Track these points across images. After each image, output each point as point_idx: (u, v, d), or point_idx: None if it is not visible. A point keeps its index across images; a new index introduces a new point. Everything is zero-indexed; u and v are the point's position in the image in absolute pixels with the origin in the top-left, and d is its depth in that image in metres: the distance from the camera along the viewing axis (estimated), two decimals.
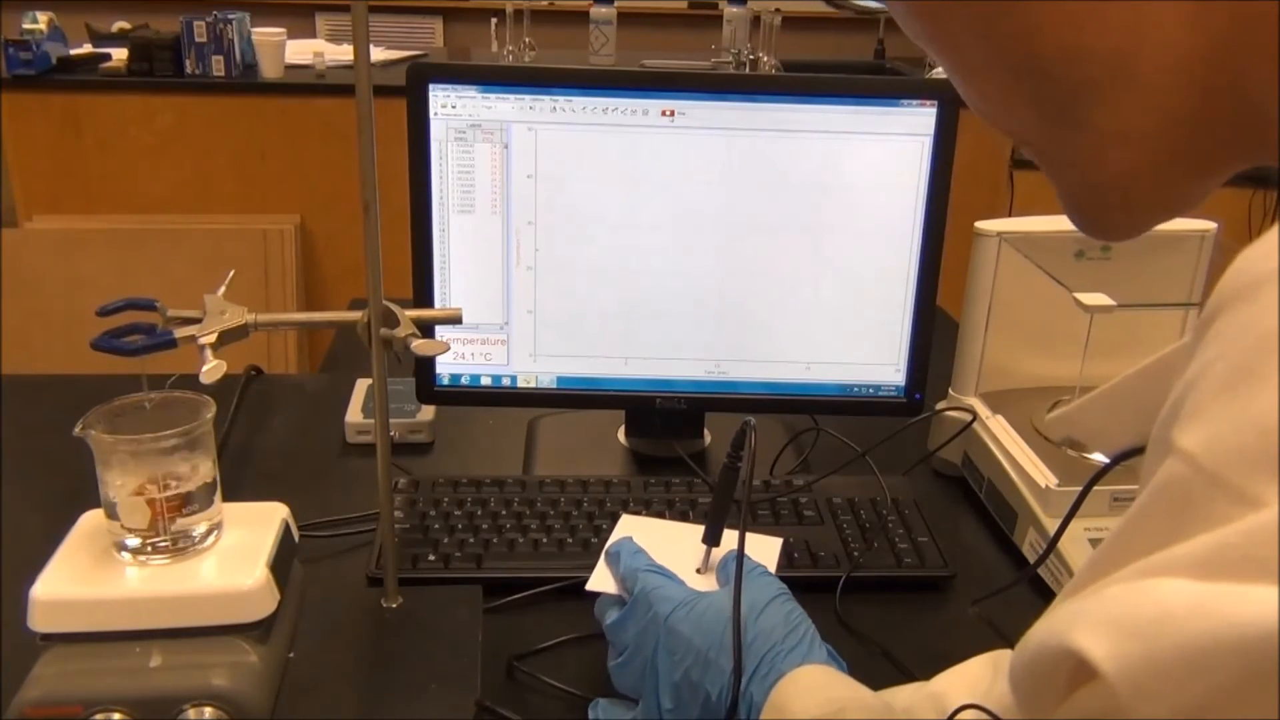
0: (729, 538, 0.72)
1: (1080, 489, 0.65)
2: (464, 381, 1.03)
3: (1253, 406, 0.28)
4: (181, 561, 0.69)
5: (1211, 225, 1.07)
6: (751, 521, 0.94)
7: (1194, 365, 0.31)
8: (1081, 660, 0.29)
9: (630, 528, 0.76)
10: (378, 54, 2.87)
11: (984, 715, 0.51)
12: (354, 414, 1.12)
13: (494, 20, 2.83)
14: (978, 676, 0.65)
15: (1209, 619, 0.27)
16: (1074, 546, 0.86)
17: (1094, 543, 0.85)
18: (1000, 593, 0.77)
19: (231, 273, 0.80)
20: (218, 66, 2.50)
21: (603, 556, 0.74)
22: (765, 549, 0.75)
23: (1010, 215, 1.10)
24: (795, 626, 0.63)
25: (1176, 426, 0.31)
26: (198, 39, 2.48)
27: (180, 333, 0.72)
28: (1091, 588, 0.32)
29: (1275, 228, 0.30)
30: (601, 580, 0.72)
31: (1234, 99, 0.37)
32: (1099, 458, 0.94)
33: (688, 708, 0.63)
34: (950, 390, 1.10)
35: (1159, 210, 0.43)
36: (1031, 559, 0.91)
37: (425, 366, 1.03)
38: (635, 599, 0.67)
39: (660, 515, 0.93)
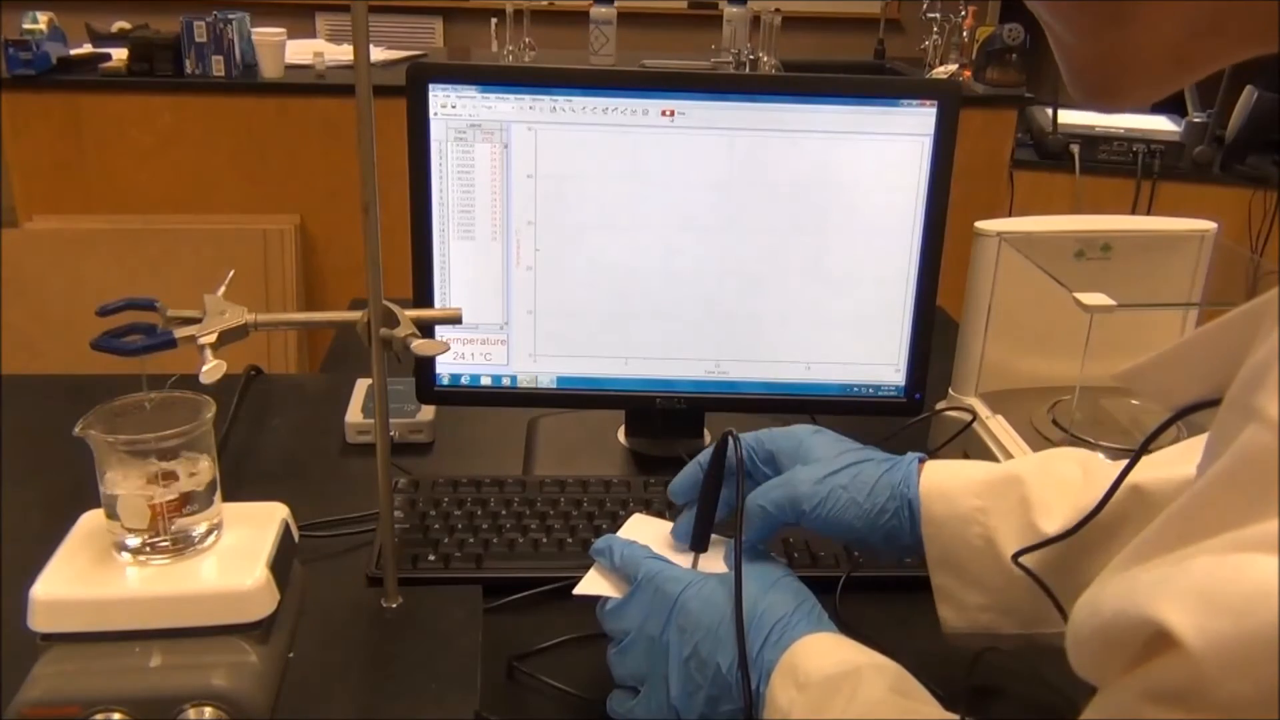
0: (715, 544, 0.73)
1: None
2: (464, 381, 1.03)
3: None
4: (181, 561, 0.69)
5: (1211, 225, 1.07)
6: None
7: None
8: (1161, 631, 0.29)
9: (633, 528, 0.77)
10: (378, 54, 2.88)
11: None
12: (354, 414, 1.12)
13: (494, 20, 2.83)
14: (1067, 480, 0.68)
15: None
16: None
17: None
18: (1049, 543, 0.74)
19: (231, 273, 0.80)
20: (218, 66, 2.50)
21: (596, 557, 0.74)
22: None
23: (1010, 215, 1.10)
24: (803, 601, 0.64)
25: (1264, 392, 0.30)
26: (198, 39, 2.48)
27: (180, 333, 0.72)
28: (1173, 555, 0.31)
29: None
30: (591, 584, 0.71)
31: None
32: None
33: (696, 682, 0.63)
34: (950, 390, 1.10)
35: (1165, 92, 0.43)
36: None
37: (425, 366, 1.03)
38: (639, 583, 0.67)
39: (660, 515, 0.93)
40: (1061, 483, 0.68)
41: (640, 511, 0.93)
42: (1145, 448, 0.58)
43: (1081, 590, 0.36)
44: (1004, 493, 0.69)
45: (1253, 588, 0.28)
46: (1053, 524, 0.66)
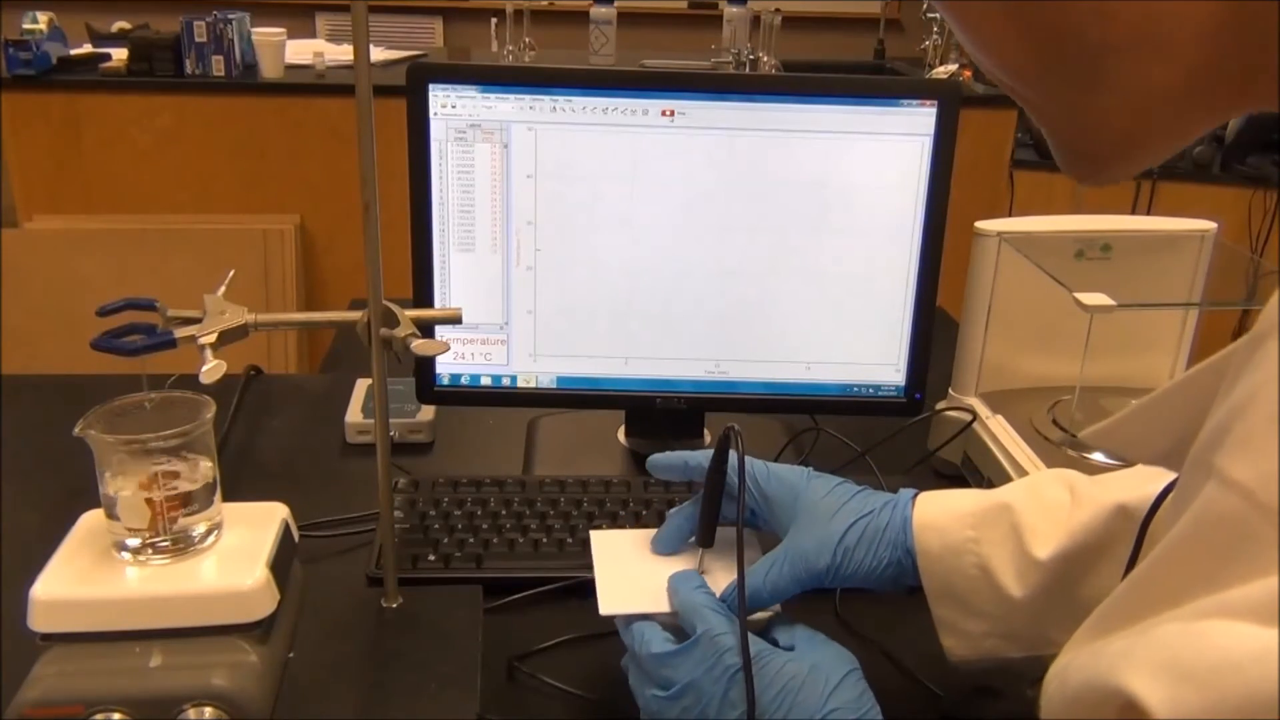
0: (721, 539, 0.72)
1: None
2: (464, 381, 1.03)
3: None
4: (181, 561, 0.69)
5: (1211, 225, 1.07)
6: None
7: (1242, 387, 0.30)
8: (1130, 702, 0.29)
9: (605, 543, 0.75)
10: (378, 54, 2.88)
11: None
12: (354, 414, 1.12)
13: (494, 20, 2.83)
14: (1056, 503, 0.69)
15: (1273, 667, 0.26)
16: None
17: None
18: None
19: (231, 273, 0.80)
20: (218, 66, 2.50)
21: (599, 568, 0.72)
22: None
23: (1010, 215, 1.10)
24: (863, 713, 0.62)
25: (1223, 452, 0.29)
26: (198, 39, 2.48)
27: (180, 333, 0.72)
28: (1139, 625, 0.31)
29: None
30: (616, 601, 0.69)
31: (1242, 61, 0.37)
32: (1099, 458, 0.94)
33: None
34: (950, 390, 1.10)
35: (1151, 160, 0.43)
36: None
37: (425, 366, 1.03)
38: (699, 640, 0.64)
39: (660, 516, 0.93)
40: (1050, 507, 0.69)
41: (641, 512, 0.93)
42: (1145, 527, 0.59)
43: (1076, 612, 0.36)
44: (995, 521, 0.69)
45: (1219, 656, 0.27)
46: (1045, 549, 0.67)
